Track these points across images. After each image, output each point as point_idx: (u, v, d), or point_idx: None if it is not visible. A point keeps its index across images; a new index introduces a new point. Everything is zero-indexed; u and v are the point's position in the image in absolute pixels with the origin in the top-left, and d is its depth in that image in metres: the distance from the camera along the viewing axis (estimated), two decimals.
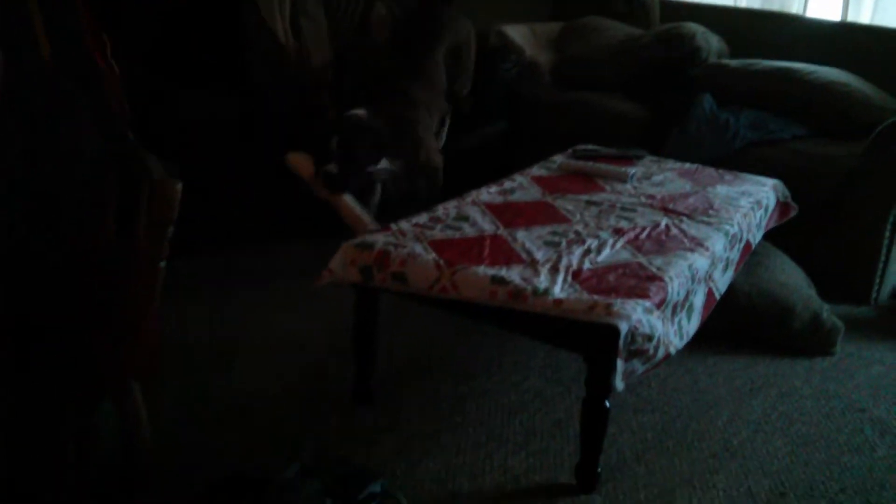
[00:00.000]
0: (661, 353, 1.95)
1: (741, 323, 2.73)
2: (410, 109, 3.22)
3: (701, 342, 2.24)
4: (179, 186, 1.79)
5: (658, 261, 2.12)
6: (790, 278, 2.85)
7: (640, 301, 1.89)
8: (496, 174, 2.83)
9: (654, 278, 2.02)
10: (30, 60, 2.00)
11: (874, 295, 3.12)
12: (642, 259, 2.13)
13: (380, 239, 2.17)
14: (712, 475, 2.09)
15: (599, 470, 2.00)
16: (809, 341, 2.75)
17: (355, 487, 1.83)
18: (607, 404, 1.91)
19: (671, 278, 2.03)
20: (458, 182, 2.92)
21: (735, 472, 2.10)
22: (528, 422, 2.28)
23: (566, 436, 2.20)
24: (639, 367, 1.91)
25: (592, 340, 1.84)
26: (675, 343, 2.03)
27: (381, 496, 1.83)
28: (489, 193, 2.60)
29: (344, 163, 2.96)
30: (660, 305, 1.95)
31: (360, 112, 3.03)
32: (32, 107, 2.01)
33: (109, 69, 2.08)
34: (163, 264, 1.86)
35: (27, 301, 1.75)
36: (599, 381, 1.88)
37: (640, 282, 1.99)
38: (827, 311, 2.78)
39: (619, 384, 1.84)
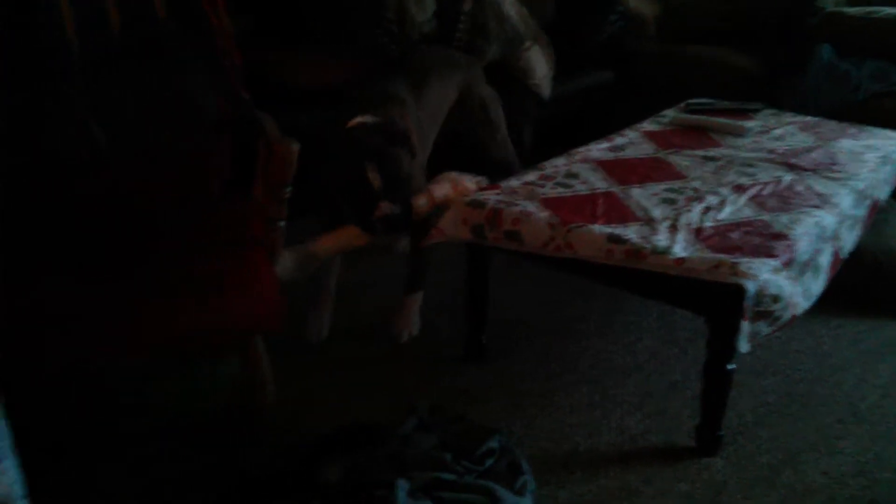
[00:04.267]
0: (787, 315, 1.88)
1: (868, 284, 2.61)
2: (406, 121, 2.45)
3: (824, 303, 2.14)
4: (296, 147, 1.80)
5: (783, 218, 2.03)
6: None
7: (767, 260, 1.82)
8: (602, 128, 2.76)
9: (780, 236, 1.94)
10: (145, 18, 2.04)
11: None
12: (766, 216, 2.04)
13: (491, 197, 2.15)
14: (838, 440, 2.02)
15: (721, 433, 1.95)
16: None
17: (473, 443, 1.84)
18: (731, 367, 1.86)
19: (798, 236, 1.95)
20: (564, 134, 2.86)
21: (862, 438, 2.02)
22: (643, 383, 2.24)
23: (683, 397, 2.16)
24: (764, 328, 1.84)
25: (716, 301, 1.79)
26: (802, 304, 1.95)
27: (499, 452, 1.83)
28: (599, 150, 2.53)
29: (395, 189, 2.15)
30: (787, 265, 1.87)
31: (367, 119, 2.25)
32: (148, 64, 2.05)
33: (222, 27, 2.10)
34: (282, 224, 1.88)
35: (139, 257, 1.80)
36: (723, 344, 1.82)
37: (765, 240, 1.92)
38: None
39: (744, 346, 1.78)
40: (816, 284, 2.07)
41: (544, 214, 2.04)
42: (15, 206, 1.85)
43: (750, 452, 1.96)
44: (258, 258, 1.83)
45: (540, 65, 3.34)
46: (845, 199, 2.21)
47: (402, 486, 1.62)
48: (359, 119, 2.21)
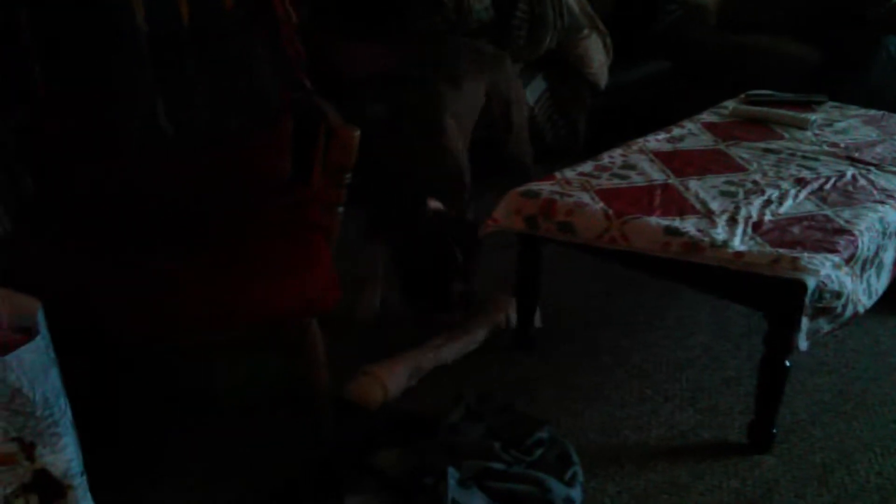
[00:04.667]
0: (849, 312, 1.84)
1: None
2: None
3: (884, 303, 2.09)
4: (357, 133, 1.82)
5: (846, 213, 1.99)
6: None
7: (829, 256, 1.79)
8: (660, 118, 2.72)
9: (842, 231, 1.90)
10: (214, 10, 2.07)
11: None
12: (828, 211, 2.00)
13: (545, 187, 2.13)
14: (894, 441, 1.97)
15: (775, 431, 1.93)
16: None
17: (522, 433, 1.84)
18: (788, 364, 1.83)
19: (861, 232, 1.91)
20: (621, 124, 2.83)
21: None
22: (695, 378, 2.21)
23: (736, 394, 2.13)
24: (825, 325, 1.81)
25: (776, 296, 1.76)
26: (864, 301, 1.92)
27: (548, 442, 1.83)
28: (657, 141, 2.50)
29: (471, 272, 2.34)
30: (849, 261, 1.83)
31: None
32: (214, 52, 2.08)
33: (287, 16, 2.12)
34: (340, 209, 1.90)
35: (205, 238, 1.83)
36: (781, 340, 1.79)
37: (827, 235, 1.88)
38: None
39: (804, 343, 1.76)
40: (880, 282, 2.02)
41: (599, 205, 2.02)
42: (85, 186, 1.90)
43: (803, 451, 1.92)
44: (317, 242, 1.85)
45: (597, 54, 3.31)
46: None
47: (453, 474, 1.63)
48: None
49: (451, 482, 1.59)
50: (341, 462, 1.79)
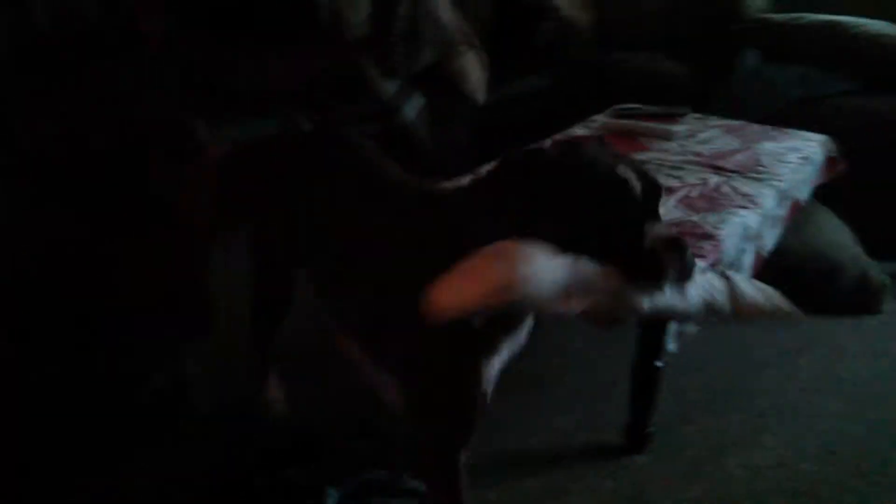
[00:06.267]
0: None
1: (788, 281, 2.66)
2: None
3: None
4: (223, 150, 1.79)
5: (712, 218, 2.09)
6: (837, 236, 2.80)
7: (696, 261, 1.86)
8: (539, 133, 2.78)
9: (708, 237, 1.99)
10: (75, 19, 2.00)
11: None
12: (695, 217, 2.09)
13: None
14: (760, 435, 2.08)
15: (650, 430, 2.00)
16: (857, 299, 2.71)
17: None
18: (659, 365, 1.90)
19: (725, 236, 2.00)
20: (500, 139, 2.87)
21: (784, 432, 2.09)
22: (573, 383, 2.27)
23: (612, 397, 2.19)
24: (691, 328, 1.89)
25: None
26: (727, 304, 2.00)
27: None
28: None
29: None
30: (714, 266, 1.92)
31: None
32: (76, 66, 2.01)
33: (154, 29, 2.07)
34: (213, 229, 1.86)
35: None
36: (652, 343, 1.86)
37: (694, 240, 1.96)
38: (875, 269, 2.74)
39: (673, 346, 1.83)
40: None
41: None
42: None
43: (675, 448, 2.01)
44: (188, 267, 1.81)
45: (474, 70, 3.36)
46: (768, 200, 2.28)
47: (332, 494, 1.61)
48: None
49: (331, 501, 1.58)
50: (228, 486, 1.74)
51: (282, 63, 3.06)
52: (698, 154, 2.58)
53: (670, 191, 2.26)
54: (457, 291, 1.04)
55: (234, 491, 1.70)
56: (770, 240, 2.35)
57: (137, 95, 2.09)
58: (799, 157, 2.62)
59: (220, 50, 2.99)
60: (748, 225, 2.12)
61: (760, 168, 2.47)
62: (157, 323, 1.75)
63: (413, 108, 3.09)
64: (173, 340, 1.78)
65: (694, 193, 2.26)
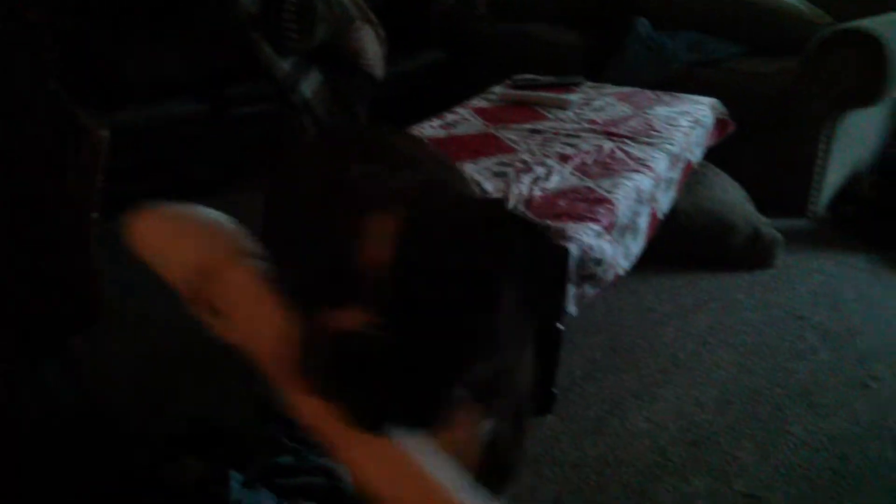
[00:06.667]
0: (610, 276, 1.99)
1: (683, 241, 2.79)
2: None
3: (645, 263, 2.28)
4: (106, 134, 1.74)
5: (605, 183, 2.15)
6: (729, 195, 2.91)
7: (591, 225, 1.92)
8: (438, 106, 2.80)
9: (602, 201, 2.05)
10: None
11: (811, 207, 3.21)
12: (590, 183, 2.15)
13: None
14: (660, 388, 2.16)
15: (554, 391, 2.05)
16: (750, 255, 2.83)
17: None
18: (561, 328, 1.95)
19: (619, 200, 2.07)
20: (399, 113, 2.89)
21: (682, 384, 2.18)
22: None
23: None
24: (590, 291, 1.95)
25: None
26: (623, 265, 2.08)
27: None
28: (432, 128, 2.58)
29: None
30: (609, 228, 1.98)
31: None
32: None
33: (35, 18, 1.99)
34: (95, 216, 1.81)
35: None
36: (552, 306, 1.90)
37: (589, 205, 2.02)
38: (766, 226, 2.86)
39: (573, 309, 1.88)
40: (636, 245, 2.20)
41: None
42: None
43: (580, 407, 2.07)
44: (71, 256, 1.75)
45: (371, 45, 3.34)
46: (661, 163, 2.36)
47: (236, 477, 1.60)
48: None
49: (235, 485, 1.57)
50: (129, 478, 1.71)
51: (175, 54, 3.00)
52: (593, 122, 2.64)
53: (566, 158, 2.32)
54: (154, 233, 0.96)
55: (134, 483, 1.67)
56: (665, 202, 2.44)
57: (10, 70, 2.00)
58: (690, 120, 2.72)
59: (111, 47, 2.92)
60: (641, 188, 2.20)
61: (653, 133, 2.55)
62: (44, 314, 1.69)
63: (310, 85, 3.06)
64: (59, 331, 1.72)
65: (589, 160, 2.32)
